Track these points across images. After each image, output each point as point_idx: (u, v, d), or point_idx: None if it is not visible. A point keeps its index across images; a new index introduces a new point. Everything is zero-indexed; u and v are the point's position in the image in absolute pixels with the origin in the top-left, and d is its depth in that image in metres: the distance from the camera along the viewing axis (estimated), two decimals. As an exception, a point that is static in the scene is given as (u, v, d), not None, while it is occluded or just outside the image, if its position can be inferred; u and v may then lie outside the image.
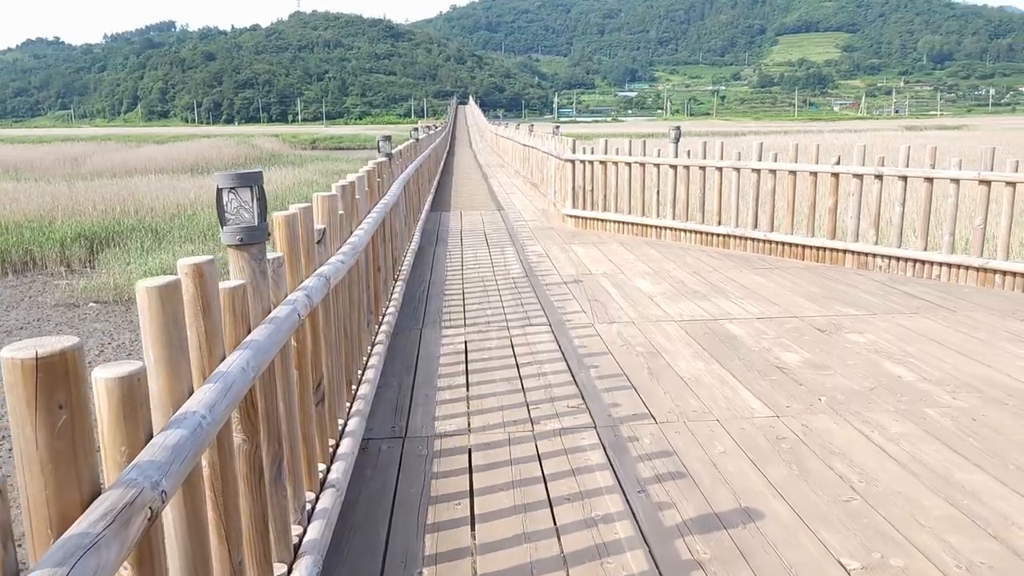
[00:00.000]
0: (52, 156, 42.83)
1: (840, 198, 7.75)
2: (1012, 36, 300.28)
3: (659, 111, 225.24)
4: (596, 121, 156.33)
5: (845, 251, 7.58)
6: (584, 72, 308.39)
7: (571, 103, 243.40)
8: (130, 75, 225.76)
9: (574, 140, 10.57)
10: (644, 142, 9.52)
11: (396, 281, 6.31)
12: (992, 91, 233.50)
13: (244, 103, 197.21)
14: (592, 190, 10.24)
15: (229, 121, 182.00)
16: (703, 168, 8.84)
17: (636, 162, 9.51)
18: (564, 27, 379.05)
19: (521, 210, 12.69)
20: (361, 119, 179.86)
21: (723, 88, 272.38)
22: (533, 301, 6.39)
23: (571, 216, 10.48)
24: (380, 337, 4.61)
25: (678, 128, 9.12)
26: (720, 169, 8.66)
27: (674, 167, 9.13)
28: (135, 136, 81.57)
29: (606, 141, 10.02)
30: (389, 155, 6.20)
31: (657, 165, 9.33)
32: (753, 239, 8.36)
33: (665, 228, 9.28)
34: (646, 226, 9.50)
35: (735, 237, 8.53)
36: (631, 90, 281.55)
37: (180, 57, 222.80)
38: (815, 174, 7.84)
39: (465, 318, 5.90)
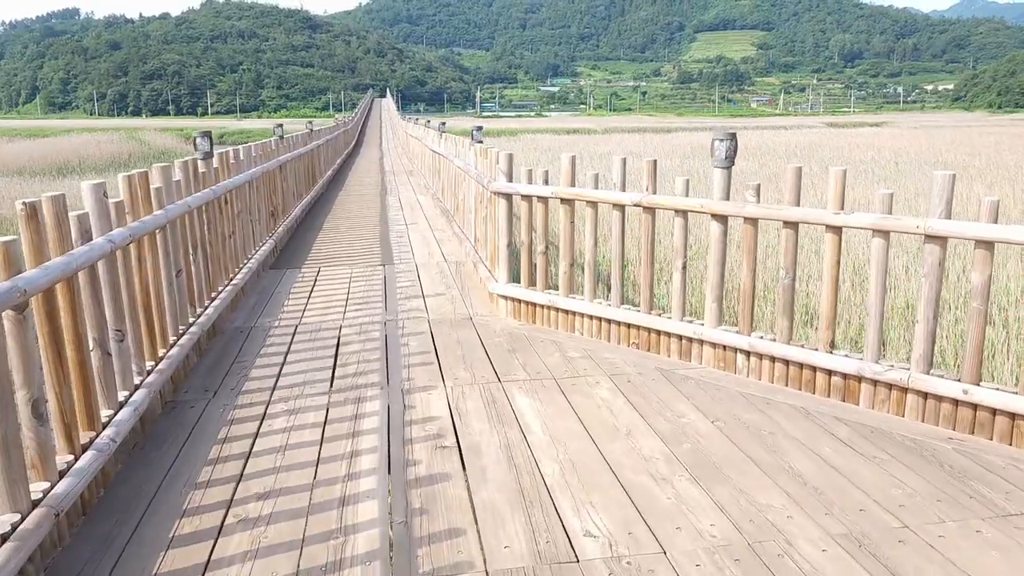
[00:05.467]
0: None
1: None
2: (916, 36, 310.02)
3: (582, 106, 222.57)
4: (520, 115, 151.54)
5: None
6: (506, 66, 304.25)
7: (494, 97, 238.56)
8: (28, 64, 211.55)
9: (510, 155, 5.68)
10: (654, 163, 4.73)
11: None
12: (900, 89, 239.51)
13: (152, 94, 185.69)
14: (547, 250, 5.40)
15: (136, 113, 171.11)
16: (794, 225, 4.11)
17: (638, 204, 4.71)
18: (486, 21, 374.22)
19: (421, 265, 7.74)
20: (277, 112, 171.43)
21: (644, 84, 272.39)
22: None
23: (508, 298, 5.61)
24: None
25: (732, 137, 4.31)
26: (838, 229, 3.95)
27: (723, 218, 4.37)
28: (23, 130, 73.15)
29: (572, 158, 5.19)
30: None
31: (684, 212, 4.55)
32: (931, 396, 3.66)
33: (702, 343, 4.51)
34: (660, 334, 4.71)
35: (882, 385, 3.82)
36: (553, 85, 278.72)
37: (83, 46, 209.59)
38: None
39: None
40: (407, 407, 3.96)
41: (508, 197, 5.59)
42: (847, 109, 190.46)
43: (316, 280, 7.01)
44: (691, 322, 4.59)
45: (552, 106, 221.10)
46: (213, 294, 5.31)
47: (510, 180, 5.58)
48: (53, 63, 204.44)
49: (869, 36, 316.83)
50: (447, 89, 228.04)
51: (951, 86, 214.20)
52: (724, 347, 4.42)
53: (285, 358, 4.75)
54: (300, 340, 5.13)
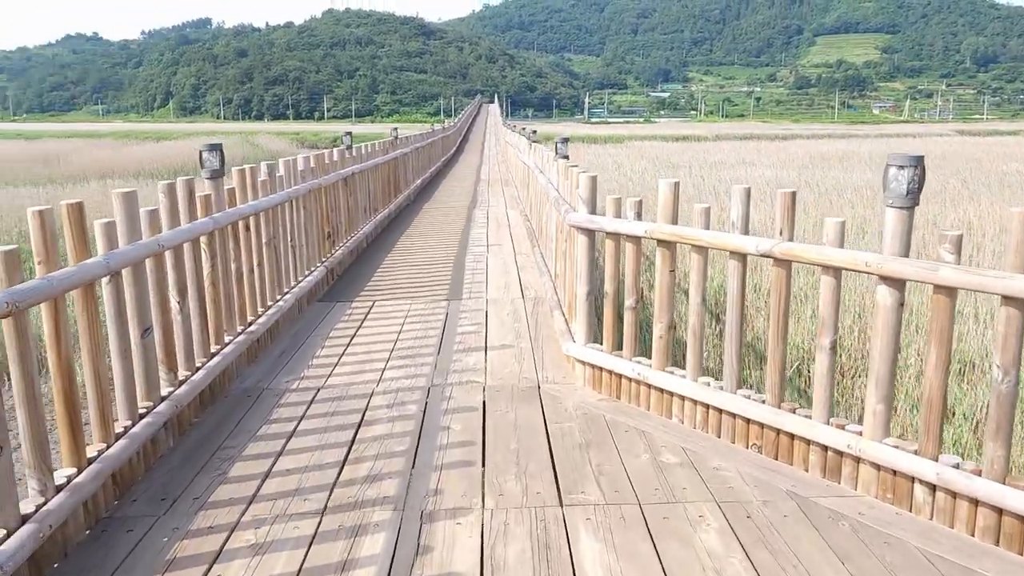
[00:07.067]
0: (29, 154, 37.88)
1: None
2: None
3: (692, 112, 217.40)
4: (627, 122, 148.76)
5: None
6: (616, 72, 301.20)
7: (602, 103, 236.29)
8: (164, 71, 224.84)
9: (593, 178, 4.39)
10: (791, 197, 3.35)
11: None
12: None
13: (274, 100, 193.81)
14: (639, 306, 4.08)
15: (259, 117, 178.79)
16: (1020, 302, 2.66)
17: (768, 254, 3.34)
18: (597, 26, 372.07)
19: (493, 301, 6.52)
20: (390, 117, 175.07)
21: (758, 89, 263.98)
22: None
23: (588, 364, 4.32)
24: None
25: (918, 163, 2.84)
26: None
27: (899, 283, 2.95)
28: (152, 133, 76.80)
29: (675, 186, 3.85)
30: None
31: (836, 269, 3.14)
32: None
33: (859, 460, 3.09)
34: (794, 438, 3.33)
35: None
36: (663, 91, 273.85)
37: (213, 54, 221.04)
38: None
39: None
40: (421, 550, 2.73)
41: (590, 233, 4.31)
42: (979, 116, 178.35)
43: (365, 319, 5.90)
44: (842, 428, 3.17)
45: (661, 112, 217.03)
46: (216, 347, 4.25)
47: (593, 211, 4.28)
48: (185, 70, 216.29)
49: (1006, 39, 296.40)
50: (556, 95, 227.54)
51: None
52: (895, 472, 2.99)
53: (284, 446, 3.62)
54: (314, 414, 3.99)
